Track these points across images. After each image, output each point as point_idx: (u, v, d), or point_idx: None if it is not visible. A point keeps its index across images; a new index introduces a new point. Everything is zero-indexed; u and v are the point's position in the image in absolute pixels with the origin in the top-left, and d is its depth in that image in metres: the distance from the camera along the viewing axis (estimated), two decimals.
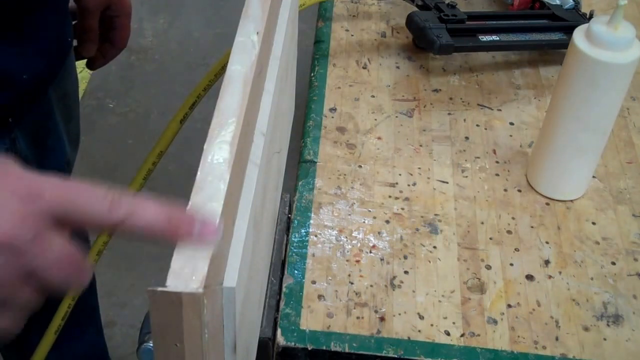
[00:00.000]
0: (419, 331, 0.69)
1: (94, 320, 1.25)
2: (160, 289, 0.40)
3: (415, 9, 1.00)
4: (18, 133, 0.83)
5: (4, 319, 0.44)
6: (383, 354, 0.67)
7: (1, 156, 0.45)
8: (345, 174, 0.83)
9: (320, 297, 0.71)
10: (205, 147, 0.48)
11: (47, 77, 0.83)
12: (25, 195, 0.43)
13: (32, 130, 0.87)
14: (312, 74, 0.97)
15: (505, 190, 0.83)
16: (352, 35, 1.04)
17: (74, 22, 0.91)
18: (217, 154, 0.47)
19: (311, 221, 0.78)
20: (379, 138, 0.88)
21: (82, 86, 2.18)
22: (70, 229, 0.44)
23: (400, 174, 0.84)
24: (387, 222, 0.78)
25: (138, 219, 0.43)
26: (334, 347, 0.67)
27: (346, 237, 0.76)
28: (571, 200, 0.82)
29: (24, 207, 0.42)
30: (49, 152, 0.94)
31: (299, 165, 0.85)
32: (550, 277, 0.74)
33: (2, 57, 0.75)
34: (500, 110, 0.94)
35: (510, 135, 0.90)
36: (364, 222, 0.78)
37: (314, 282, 0.72)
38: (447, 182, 0.83)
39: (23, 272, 0.43)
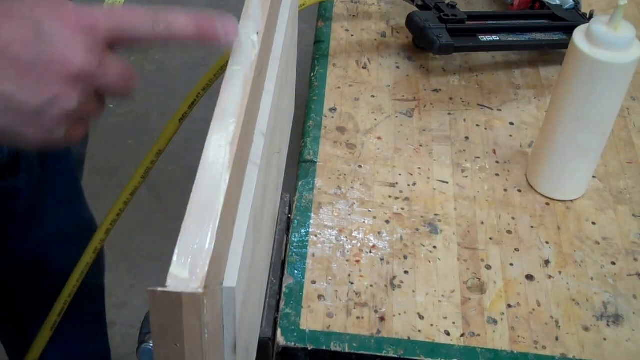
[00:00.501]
0: (419, 331, 0.69)
1: (100, 325, 1.25)
2: (160, 289, 0.40)
3: (415, 9, 1.00)
4: None
5: (81, 129, 0.54)
6: (383, 354, 0.67)
7: None
8: (345, 174, 0.83)
9: (320, 297, 0.71)
10: (205, 147, 0.48)
11: None
12: (84, 27, 0.50)
13: None
14: (312, 74, 0.97)
15: (505, 190, 0.83)
16: (352, 35, 1.04)
17: None
18: (217, 154, 0.47)
19: (311, 221, 0.78)
20: (379, 138, 0.88)
21: None
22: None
23: (400, 174, 0.84)
24: (387, 222, 0.78)
25: (175, 29, 0.52)
26: (334, 347, 0.67)
27: (346, 237, 0.76)
28: (571, 200, 0.82)
29: (86, 39, 0.50)
30: (59, 178, 0.94)
31: (299, 165, 0.84)
32: (550, 277, 0.74)
33: None
34: (500, 110, 0.94)
35: (510, 135, 0.90)
36: (364, 222, 0.78)
37: (314, 282, 0.72)
38: (447, 182, 0.83)
39: (94, 91, 0.52)
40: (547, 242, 0.78)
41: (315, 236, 0.76)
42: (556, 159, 0.80)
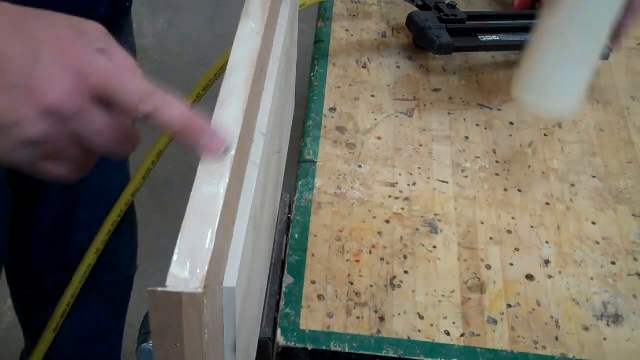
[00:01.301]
0: (419, 331, 0.69)
1: (119, 321, 1.26)
2: (160, 289, 0.40)
3: (416, 9, 1.00)
4: None
5: (58, 169, 0.53)
6: (383, 354, 0.67)
7: (86, 21, 0.52)
8: (345, 174, 0.83)
9: (320, 297, 0.71)
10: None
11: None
12: (76, 74, 0.49)
13: None
14: (312, 74, 0.97)
15: (505, 190, 0.83)
16: (352, 35, 1.04)
17: None
18: (217, 154, 0.47)
19: (311, 221, 0.78)
20: (379, 138, 0.88)
21: None
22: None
23: (400, 174, 0.84)
24: (387, 222, 0.78)
25: (161, 117, 0.50)
26: (334, 347, 0.67)
27: (346, 237, 0.76)
28: (571, 200, 0.82)
29: (73, 84, 0.49)
30: None
31: (299, 165, 0.84)
32: (550, 277, 0.74)
33: None
34: (500, 110, 0.94)
35: (510, 135, 0.90)
36: (364, 222, 0.78)
37: (314, 282, 0.72)
38: (447, 182, 0.83)
39: (70, 136, 0.51)
40: (547, 242, 0.78)
41: (315, 236, 0.76)
42: (545, 65, 0.74)
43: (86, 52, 0.50)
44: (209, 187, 0.45)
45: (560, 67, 0.75)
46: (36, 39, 0.49)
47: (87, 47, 0.51)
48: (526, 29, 1.00)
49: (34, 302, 1.16)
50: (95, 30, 0.52)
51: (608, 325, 0.70)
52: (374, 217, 0.79)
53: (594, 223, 0.80)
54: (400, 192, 0.82)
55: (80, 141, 0.51)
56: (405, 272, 0.74)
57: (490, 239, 0.77)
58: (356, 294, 0.71)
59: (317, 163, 0.84)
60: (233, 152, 0.48)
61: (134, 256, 1.19)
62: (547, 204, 0.82)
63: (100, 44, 0.51)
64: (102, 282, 0.97)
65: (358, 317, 0.69)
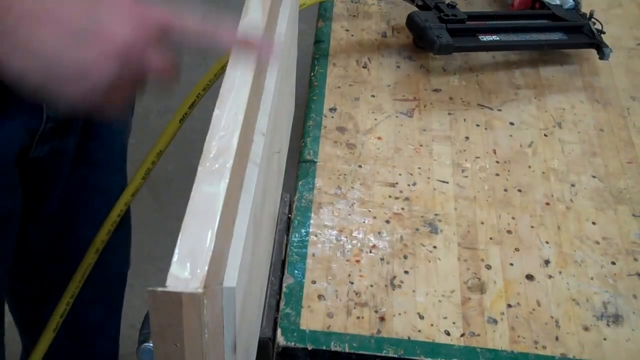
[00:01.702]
0: (419, 331, 0.69)
1: (115, 321, 1.26)
2: (160, 289, 0.40)
3: (416, 9, 1.00)
4: None
5: (117, 107, 0.58)
6: (383, 354, 0.67)
7: None
8: (345, 174, 0.83)
9: (320, 297, 0.71)
10: (205, 147, 0.48)
11: None
12: (137, 16, 0.55)
13: None
14: (312, 74, 0.97)
15: (505, 190, 0.83)
16: (352, 35, 1.04)
17: None
18: (218, 154, 0.47)
19: (311, 221, 0.78)
20: (379, 138, 0.88)
21: None
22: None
23: (400, 174, 0.84)
24: (387, 222, 0.78)
25: (219, 40, 0.57)
26: (334, 347, 0.67)
27: (346, 237, 0.76)
28: (571, 200, 0.82)
29: (137, 23, 0.55)
30: (103, 142, 0.95)
31: (299, 165, 0.84)
32: (550, 277, 0.74)
33: None
34: (500, 110, 0.94)
35: (510, 135, 0.90)
36: (364, 222, 0.78)
37: (314, 282, 0.72)
38: (447, 182, 0.83)
39: (133, 73, 0.56)
40: (547, 242, 0.78)
41: (315, 236, 0.76)
42: None
43: (137, 2, 0.55)
44: (209, 187, 0.45)
45: None
46: None
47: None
48: (526, 29, 1.00)
49: (31, 301, 1.16)
50: None
51: (608, 325, 0.70)
52: (374, 217, 0.79)
53: (594, 223, 0.80)
54: (400, 192, 0.82)
55: (138, 77, 0.56)
56: (405, 272, 0.74)
57: (490, 239, 0.77)
58: (356, 294, 0.71)
59: (317, 163, 0.84)
60: (234, 153, 0.47)
61: (127, 253, 1.20)
62: (547, 204, 0.82)
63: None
64: (96, 279, 0.97)
65: (358, 317, 0.69)
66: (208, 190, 0.45)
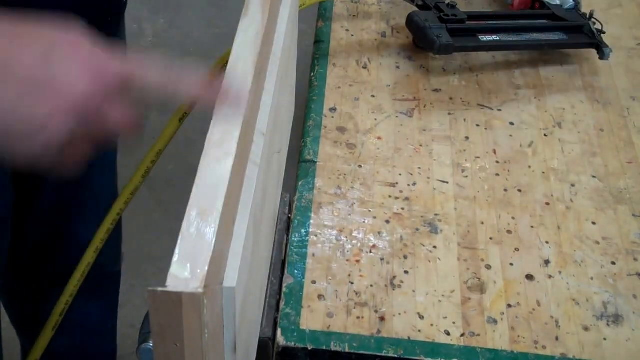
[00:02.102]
0: (419, 331, 0.69)
1: (111, 318, 1.27)
2: (160, 289, 0.40)
3: (415, 9, 1.00)
4: None
5: (72, 164, 0.55)
6: (383, 354, 0.67)
7: (75, 28, 0.52)
8: (345, 174, 0.83)
9: (320, 297, 0.71)
10: (205, 146, 0.48)
11: (101, 33, 0.85)
12: (93, 67, 0.51)
13: None
14: (312, 74, 0.97)
15: (505, 190, 0.83)
16: (352, 35, 1.04)
17: None
18: (217, 153, 0.47)
19: (311, 221, 0.78)
20: (379, 138, 0.88)
21: None
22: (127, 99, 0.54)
23: (400, 174, 0.84)
24: (387, 222, 0.78)
25: (183, 92, 0.53)
26: (334, 347, 0.67)
27: (346, 237, 0.76)
28: (571, 200, 0.82)
29: (92, 78, 0.51)
30: None
31: (299, 165, 0.84)
32: (550, 277, 0.74)
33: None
34: (500, 110, 0.94)
35: (510, 135, 0.90)
36: (364, 222, 0.78)
37: (314, 282, 0.72)
38: (447, 182, 0.83)
39: (89, 129, 0.52)
40: (547, 242, 0.78)
41: (315, 236, 0.76)
42: None
43: (95, 49, 0.51)
44: (209, 187, 0.45)
45: None
46: (44, 42, 0.50)
47: (94, 45, 0.52)
48: (526, 29, 1.00)
49: (27, 300, 1.16)
50: (85, 33, 0.52)
51: (608, 325, 0.70)
52: (374, 217, 0.79)
53: (594, 223, 0.80)
54: (400, 192, 0.82)
55: (97, 134, 0.53)
56: (405, 272, 0.74)
57: (490, 239, 0.77)
58: (356, 294, 0.71)
59: (317, 163, 0.84)
60: (234, 152, 0.47)
61: (119, 251, 1.20)
62: (547, 204, 0.82)
63: (97, 44, 0.52)
64: (89, 277, 0.97)
65: (358, 317, 0.69)
66: (208, 190, 0.45)
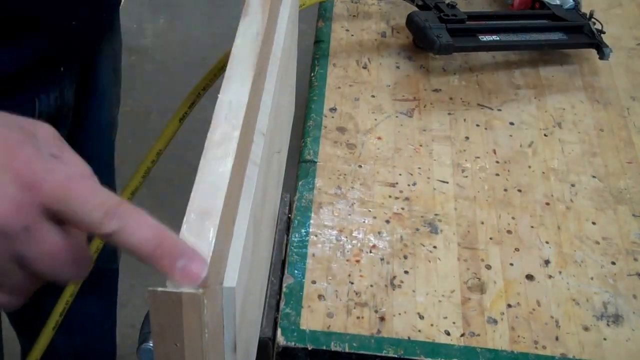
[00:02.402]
0: (419, 331, 0.69)
1: (110, 315, 1.27)
2: (160, 289, 0.40)
3: (415, 9, 1.00)
4: (67, 82, 0.86)
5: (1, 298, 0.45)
6: (383, 354, 0.67)
7: (35, 122, 0.45)
8: (345, 174, 0.83)
9: (320, 297, 0.71)
10: (205, 146, 0.48)
11: (96, 28, 0.84)
12: (26, 183, 0.42)
13: (80, 84, 0.90)
14: (312, 74, 0.97)
15: (505, 190, 0.83)
16: (352, 35, 1.04)
17: None
18: (217, 153, 0.47)
19: (311, 221, 0.78)
20: (379, 138, 0.88)
21: None
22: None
23: (400, 174, 0.84)
24: (387, 222, 0.78)
25: (127, 237, 0.42)
26: (334, 347, 0.67)
27: (346, 237, 0.76)
28: (571, 200, 0.82)
29: (21, 196, 0.42)
30: (94, 111, 0.95)
31: (299, 165, 0.85)
32: (550, 277, 0.74)
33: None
34: (500, 110, 0.94)
35: (510, 135, 0.90)
36: (364, 222, 0.78)
37: (314, 282, 0.72)
38: (447, 182, 0.83)
39: (14, 257, 0.43)
40: (547, 242, 0.78)
41: (315, 236, 0.76)
42: None
43: (36, 158, 0.43)
44: (209, 187, 0.45)
45: None
46: None
47: (37, 152, 0.44)
48: (526, 29, 1.00)
49: (27, 309, 1.16)
50: (46, 132, 0.46)
51: (608, 325, 0.70)
52: (374, 217, 0.79)
53: (594, 223, 0.80)
54: (400, 192, 0.82)
55: (26, 263, 0.43)
56: (405, 272, 0.74)
57: (490, 239, 0.77)
58: (356, 294, 0.71)
59: (317, 163, 0.84)
60: (234, 154, 0.48)
61: (116, 248, 1.20)
62: (547, 204, 0.82)
63: (52, 149, 0.45)
64: (87, 276, 0.97)
65: (358, 317, 0.69)
66: (208, 190, 0.45)
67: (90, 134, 0.98)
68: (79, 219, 0.42)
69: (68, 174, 0.43)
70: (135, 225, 0.42)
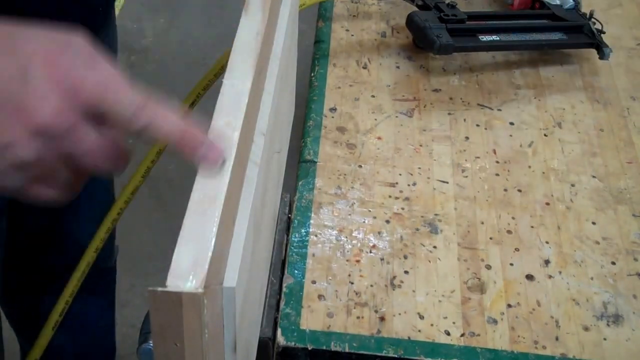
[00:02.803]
0: (419, 331, 0.69)
1: (109, 313, 1.27)
2: (160, 289, 0.40)
3: (415, 8, 1.00)
4: None
5: (48, 191, 0.51)
6: (383, 354, 0.67)
7: (73, 32, 0.50)
8: (345, 174, 0.83)
9: (320, 297, 0.71)
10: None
11: (91, 21, 0.84)
12: (66, 89, 0.47)
13: None
14: (312, 74, 0.97)
15: (505, 190, 0.83)
16: (352, 35, 1.04)
17: None
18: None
19: (311, 221, 0.78)
20: (379, 138, 0.88)
21: None
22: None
23: (400, 174, 0.84)
24: (387, 222, 0.78)
25: (156, 128, 0.48)
26: (334, 347, 0.67)
27: (346, 237, 0.77)
28: (571, 200, 0.82)
29: (63, 101, 0.47)
30: None
31: (299, 165, 0.85)
32: (550, 277, 0.74)
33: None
34: (500, 110, 0.94)
35: (510, 135, 0.90)
36: (364, 222, 0.78)
37: (314, 282, 0.72)
38: (447, 182, 0.83)
39: (61, 156, 0.49)
40: (547, 242, 0.78)
41: (316, 236, 0.76)
42: None
43: (74, 66, 0.48)
44: (210, 187, 0.45)
45: None
46: (23, 55, 0.47)
47: (74, 61, 0.48)
48: (526, 29, 1.00)
49: (26, 298, 1.16)
50: (80, 41, 0.50)
51: (608, 325, 0.70)
52: (374, 217, 0.79)
53: (594, 223, 0.80)
54: (400, 192, 0.82)
55: (71, 161, 0.49)
56: (405, 272, 0.74)
57: (490, 239, 0.77)
58: (356, 294, 0.71)
59: (317, 163, 0.84)
60: (233, 154, 0.48)
61: (112, 246, 1.20)
62: (547, 204, 0.82)
63: (86, 56, 0.49)
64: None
65: (358, 317, 0.69)
66: (208, 190, 0.45)
67: None
68: (115, 117, 0.48)
69: (103, 78, 0.48)
70: (162, 120, 0.48)
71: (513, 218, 0.80)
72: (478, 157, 0.87)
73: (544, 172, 0.85)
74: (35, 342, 1.01)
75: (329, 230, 0.77)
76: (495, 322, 0.70)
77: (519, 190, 0.83)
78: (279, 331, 0.67)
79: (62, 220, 1.06)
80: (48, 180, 0.51)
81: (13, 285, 1.15)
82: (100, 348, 1.29)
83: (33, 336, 1.03)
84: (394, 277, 0.73)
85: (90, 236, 0.93)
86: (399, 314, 0.70)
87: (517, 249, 0.77)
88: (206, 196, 0.45)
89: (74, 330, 1.18)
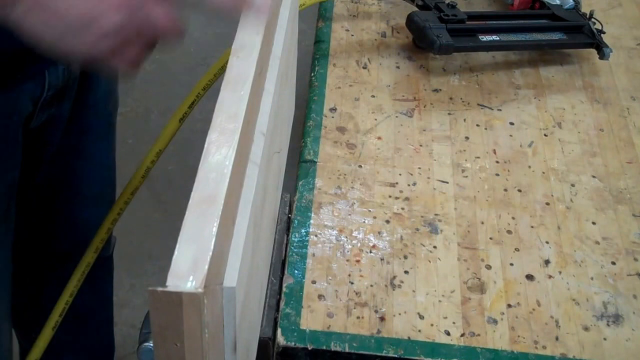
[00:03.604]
0: (419, 331, 0.69)
1: (107, 312, 1.26)
2: (160, 288, 0.40)
3: (415, 9, 1.00)
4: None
5: (122, 62, 0.62)
6: (383, 354, 0.67)
7: None
8: (345, 174, 0.83)
9: (320, 297, 0.71)
10: (205, 146, 0.48)
11: None
12: None
13: (79, 81, 0.92)
14: (312, 74, 0.97)
15: (505, 190, 0.83)
16: (352, 35, 1.04)
17: None
18: (218, 153, 0.47)
19: (311, 221, 0.78)
20: (379, 138, 0.88)
21: None
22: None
23: (400, 174, 0.84)
24: (387, 222, 0.78)
25: (211, 3, 0.58)
26: (334, 347, 0.67)
27: (346, 237, 0.77)
28: (571, 200, 0.82)
29: None
30: (90, 109, 0.96)
31: (299, 165, 0.85)
32: (550, 277, 0.74)
33: None
34: (500, 110, 0.94)
35: (510, 135, 0.90)
36: (364, 222, 0.78)
37: (314, 282, 0.72)
38: (447, 182, 0.83)
39: (136, 28, 0.59)
40: (547, 242, 0.78)
41: (316, 236, 0.76)
42: None
43: None
44: (210, 186, 0.45)
45: None
46: None
47: None
48: (526, 29, 1.00)
49: (26, 289, 1.16)
50: None
51: (608, 325, 0.70)
52: (374, 217, 0.79)
53: (594, 223, 0.80)
54: (400, 192, 0.82)
55: (143, 31, 0.60)
56: (405, 272, 0.74)
57: (490, 239, 0.77)
58: (356, 294, 0.71)
59: (317, 163, 0.84)
60: (233, 154, 0.48)
61: (109, 237, 1.20)
62: (547, 204, 0.82)
63: None
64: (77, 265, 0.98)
65: (358, 317, 0.69)
66: (208, 190, 0.45)
67: (90, 106, 0.99)
68: None
69: None
70: None
71: (513, 218, 0.80)
72: (478, 157, 0.87)
73: (544, 172, 0.85)
74: (35, 343, 1.01)
75: (329, 230, 0.77)
76: (495, 322, 0.70)
77: (519, 190, 0.83)
78: (279, 331, 0.67)
79: (65, 198, 1.06)
80: (124, 52, 0.60)
81: (14, 275, 1.15)
82: (97, 343, 1.29)
83: (32, 331, 1.03)
84: (394, 277, 0.73)
85: (91, 218, 0.93)
86: (399, 314, 0.70)
87: (517, 249, 0.77)
88: (206, 196, 0.45)
89: (70, 324, 1.17)
